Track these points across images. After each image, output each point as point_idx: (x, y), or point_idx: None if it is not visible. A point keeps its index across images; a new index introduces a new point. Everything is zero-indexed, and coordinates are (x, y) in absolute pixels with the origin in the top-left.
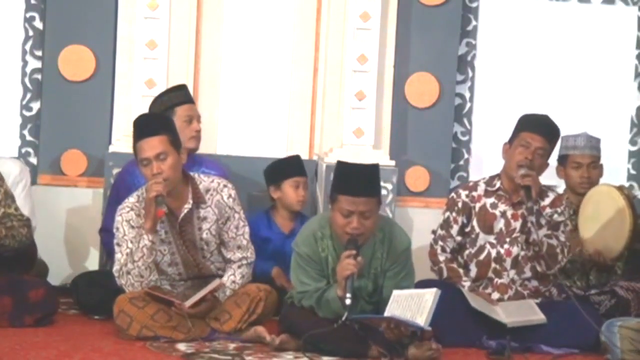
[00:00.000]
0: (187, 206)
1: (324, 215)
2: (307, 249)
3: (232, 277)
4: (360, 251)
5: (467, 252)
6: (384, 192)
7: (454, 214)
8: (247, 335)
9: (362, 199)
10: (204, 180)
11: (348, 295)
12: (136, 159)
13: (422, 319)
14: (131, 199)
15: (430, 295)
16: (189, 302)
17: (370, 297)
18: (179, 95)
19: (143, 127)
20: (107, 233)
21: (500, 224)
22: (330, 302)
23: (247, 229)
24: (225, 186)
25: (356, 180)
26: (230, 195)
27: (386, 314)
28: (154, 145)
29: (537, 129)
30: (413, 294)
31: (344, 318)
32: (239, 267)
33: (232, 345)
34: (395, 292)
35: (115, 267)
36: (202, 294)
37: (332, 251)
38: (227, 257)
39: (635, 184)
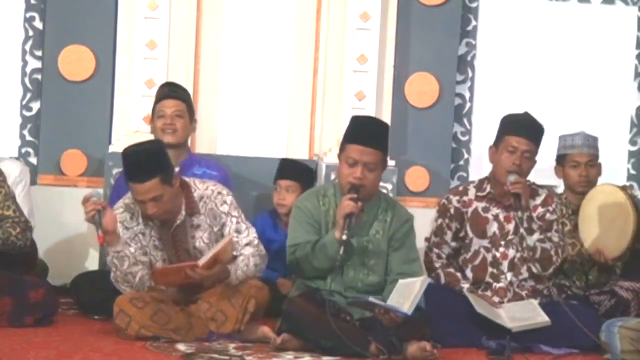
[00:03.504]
0: (180, 217)
1: (329, 183)
2: (309, 203)
3: (243, 258)
4: (363, 207)
5: (462, 257)
6: (383, 191)
7: (446, 220)
8: (250, 334)
9: (369, 149)
10: (199, 188)
11: (346, 231)
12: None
13: (406, 305)
14: (126, 200)
15: (418, 283)
16: (201, 261)
17: (374, 288)
18: (157, 94)
19: (134, 172)
20: None
21: (493, 228)
22: (327, 246)
23: (252, 230)
24: (219, 193)
25: (366, 131)
26: (224, 202)
27: (388, 302)
28: (147, 189)
29: (521, 131)
30: (409, 282)
31: (341, 251)
32: (248, 251)
33: (232, 345)
34: (401, 281)
35: (111, 275)
36: (213, 251)
37: (333, 205)
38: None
39: (635, 184)
